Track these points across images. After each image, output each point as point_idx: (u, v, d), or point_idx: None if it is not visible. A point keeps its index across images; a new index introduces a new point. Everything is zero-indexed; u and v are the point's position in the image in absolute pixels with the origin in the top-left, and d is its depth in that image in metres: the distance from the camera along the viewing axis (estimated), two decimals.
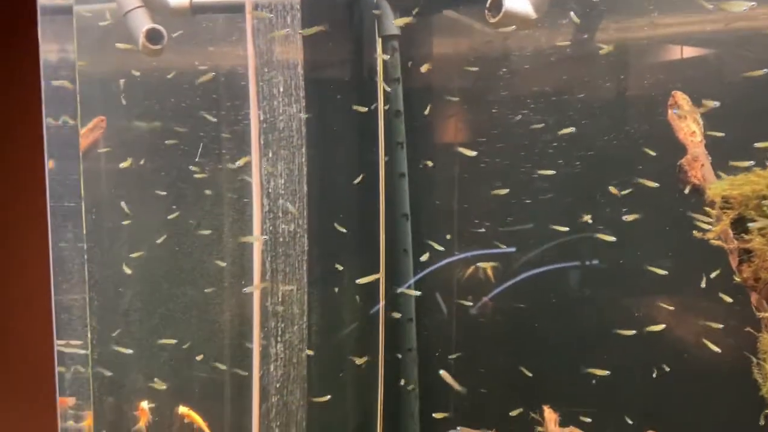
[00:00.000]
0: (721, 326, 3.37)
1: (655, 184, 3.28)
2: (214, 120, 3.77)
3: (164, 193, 3.76)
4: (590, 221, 3.67)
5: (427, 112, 4.04)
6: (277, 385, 3.76)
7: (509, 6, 3.44)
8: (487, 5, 3.49)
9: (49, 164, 1.92)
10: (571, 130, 3.70)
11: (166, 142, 3.78)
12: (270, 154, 3.68)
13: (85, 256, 2.25)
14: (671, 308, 3.53)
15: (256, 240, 3.63)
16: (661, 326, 3.43)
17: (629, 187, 3.56)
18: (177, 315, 3.72)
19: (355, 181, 3.98)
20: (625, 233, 3.59)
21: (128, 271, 3.59)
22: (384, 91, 3.94)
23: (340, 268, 3.97)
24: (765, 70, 3.24)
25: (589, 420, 3.30)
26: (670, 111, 3.32)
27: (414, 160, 4.07)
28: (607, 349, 3.68)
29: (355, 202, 4.08)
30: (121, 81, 3.78)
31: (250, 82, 3.52)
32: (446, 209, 4.08)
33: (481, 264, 3.94)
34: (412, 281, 4.05)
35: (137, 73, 3.80)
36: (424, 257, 3.97)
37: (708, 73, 3.62)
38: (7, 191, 1.84)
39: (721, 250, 2.93)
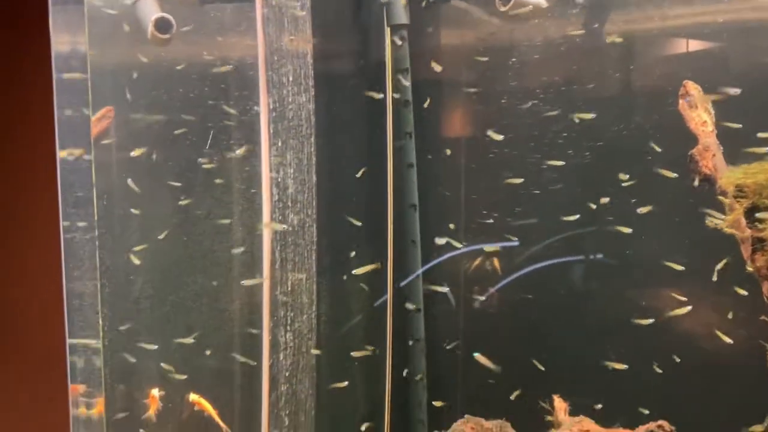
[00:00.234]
0: (731, 316, 3.36)
1: (674, 174, 3.24)
2: (233, 112, 3.76)
3: (176, 183, 3.75)
4: (608, 202, 3.61)
5: (435, 102, 4.03)
6: (287, 374, 3.77)
7: None
8: None
9: (61, 154, 1.93)
10: (590, 115, 3.67)
11: (175, 132, 3.78)
12: (279, 144, 3.68)
13: (97, 243, 2.26)
14: (682, 299, 3.52)
15: (276, 228, 3.63)
16: (686, 309, 3.37)
17: (641, 177, 3.55)
18: (187, 303, 3.72)
19: (357, 175, 3.98)
20: (636, 224, 3.58)
21: (137, 261, 3.60)
22: (393, 80, 3.93)
23: (353, 254, 3.95)
24: None
25: (599, 406, 3.29)
26: (681, 101, 3.31)
27: (422, 150, 4.06)
28: (617, 339, 3.68)
29: (363, 193, 4.07)
30: (129, 71, 3.77)
31: (260, 71, 3.51)
32: (455, 199, 4.07)
33: (487, 248, 3.92)
34: (419, 272, 4.05)
35: (145, 62, 3.80)
36: (442, 241, 3.94)
37: (719, 63, 3.60)
38: (19, 180, 1.85)
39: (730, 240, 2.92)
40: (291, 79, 3.70)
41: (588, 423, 3.12)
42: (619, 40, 3.64)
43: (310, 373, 3.87)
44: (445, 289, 3.97)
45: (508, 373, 3.76)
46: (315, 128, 3.82)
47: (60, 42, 1.94)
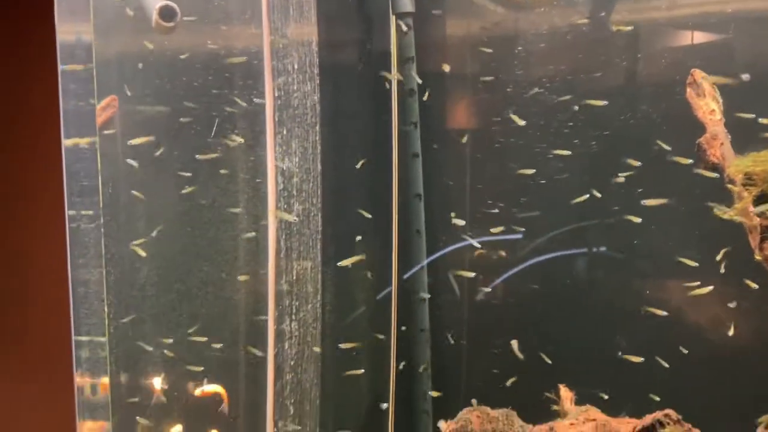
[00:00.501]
0: (738, 305, 3.35)
1: (689, 161, 3.20)
2: (245, 104, 3.73)
3: (182, 173, 3.75)
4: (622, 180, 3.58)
5: (441, 91, 4.01)
6: (292, 363, 3.78)
7: None
8: None
9: (67, 143, 1.92)
10: (602, 102, 3.64)
11: (180, 120, 3.77)
12: (284, 132, 3.67)
13: (102, 230, 2.25)
14: (689, 289, 3.51)
15: (286, 218, 3.63)
16: (708, 288, 3.35)
17: (649, 166, 3.53)
18: (192, 291, 3.72)
19: (357, 166, 3.97)
20: (643, 214, 3.56)
21: (142, 253, 3.59)
22: (398, 70, 3.91)
23: (359, 238, 3.93)
24: None
25: (606, 396, 3.29)
26: (688, 89, 3.28)
27: (427, 139, 4.05)
28: (624, 329, 3.67)
29: (368, 182, 4.06)
30: (133, 60, 3.76)
31: (265, 60, 3.50)
32: (460, 189, 4.05)
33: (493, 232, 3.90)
34: (424, 263, 4.05)
35: (149, 52, 3.78)
36: (461, 222, 3.92)
37: (726, 52, 3.58)
38: (26, 170, 1.85)
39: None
40: (296, 67, 3.68)
41: (594, 412, 3.11)
42: (626, 28, 3.61)
43: (315, 363, 3.87)
44: (471, 274, 3.93)
45: (514, 362, 3.76)
46: (320, 117, 3.81)
47: (64, 31, 1.93)
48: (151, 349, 3.62)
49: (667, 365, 3.49)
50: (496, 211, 3.94)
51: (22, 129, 1.85)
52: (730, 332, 3.37)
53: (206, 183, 3.77)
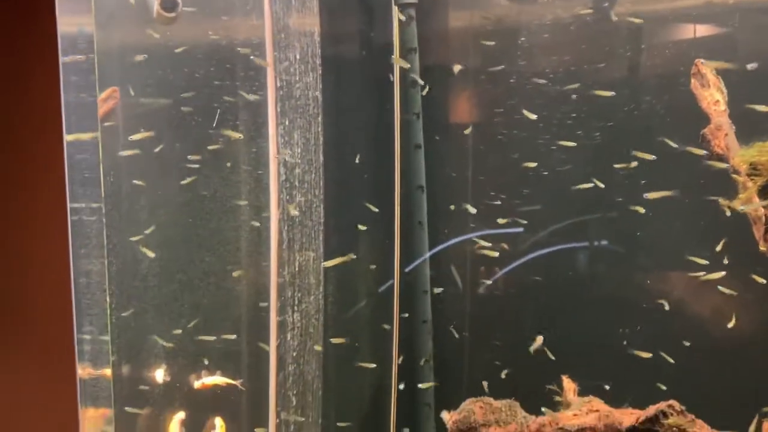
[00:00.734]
0: (739, 297, 3.34)
1: (703, 152, 3.18)
2: (250, 98, 3.71)
3: (183, 164, 3.73)
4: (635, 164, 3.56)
5: (443, 82, 3.99)
6: (294, 355, 3.78)
7: None
8: None
9: (68, 138, 1.92)
10: (610, 93, 3.62)
11: (182, 111, 3.76)
12: (286, 123, 3.66)
13: (104, 220, 2.25)
14: (693, 281, 3.50)
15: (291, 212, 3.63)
16: (721, 273, 3.33)
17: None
18: (194, 282, 3.72)
19: (356, 161, 3.96)
20: (647, 206, 3.55)
21: (151, 254, 3.57)
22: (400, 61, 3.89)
23: (363, 228, 3.92)
24: None
25: (607, 387, 3.29)
26: (693, 80, 3.26)
27: (429, 131, 4.03)
28: (626, 322, 3.67)
29: (371, 174, 4.05)
30: (135, 51, 3.74)
31: (267, 50, 3.48)
32: (462, 181, 4.04)
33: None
34: (426, 255, 4.04)
35: (151, 42, 3.76)
36: (473, 210, 3.90)
37: (731, 43, 3.56)
38: (27, 161, 1.84)
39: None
40: (298, 57, 3.67)
41: (597, 403, 3.11)
42: (630, 19, 3.59)
43: (317, 354, 3.87)
44: (495, 254, 3.90)
45: (516, 353, 3.76)
46: (322, 108, 3.80)
47: (65, 23, 1.92)
48: (153, 339, 3.62)
49: (671, 360, 3.49)
50: (499, 202, 3.93)
51: (23, 120, 1.84)
52: (730, 324, 3.36)
53: (208, 174, 3.76)
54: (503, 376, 3.72)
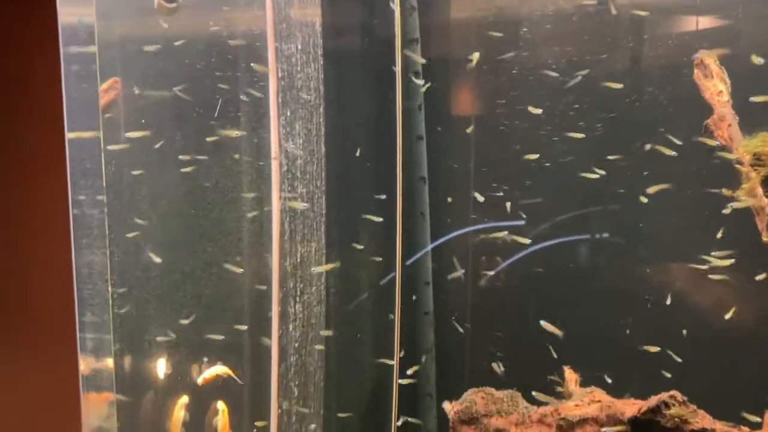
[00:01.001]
0: (738, 285, 3.34)
1: (716, 142, 3.16)
2: (260, 95, 3.70)
3: (186, 157, 3.73)
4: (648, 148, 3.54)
5: (446, 73, 3.98)
6: (296, 345, 3.78)
7: None
8: None
9: (69, 136, 1.91)
10: (617, 85, 3.60)
11: (183, 103, 3.74)
12: (288, 114, 3.64)
13: (105, 210, 2.25)
14: (696, 272, 3.50)
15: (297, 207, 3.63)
16: (730, 261, 3.32)
17: (653, 148, 3.50)
18: (197, 273, 3.72)
19: (357, 153, 3.95)
20: (650, 197, 3.55)
21: (157, 259, 3.57)
22: (402, 52, 3.87)
23: (379, 219, 3.91)
24: None
25: (610, 381, 3.30)
26: (696, 70, 3.25)
27: (431, 122, 4.02)
28: (628, 313, 3.67)
29: (373, 165, 4.05)
30: (135, 42, 3.72)
31: (269, 40, 3.47)
32: (464, 172, 4.04)
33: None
34: (428, 248, 4.04)
35: (152, 33, 3.75)
36: (481, 198, 3.89)
37: (734, 34, 3.54)
38: (28, 151, 1.84)
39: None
40: (299, 48, 3.65)
41: (599, 393, 3.12)
42: (634, 10, 3.58)
43: (319, 345, 3.88)
44: (527, 242, 3.88)
45: (518, 345, 3.76)
46: (324, 99, 3.79)
47: (66, 13, 1.91)
48: (155, 329, 3.63)
49: (676, 356, 3.49)
50: (501, 194, 3.93)
51: (23, 113, 1.84)
52: (728, 315, 3.36)
53: (210, 165, 3.75)
54: (503, 367, 3.72)
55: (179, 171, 3.71)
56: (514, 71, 3.86)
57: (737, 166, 2.82)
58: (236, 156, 3.76)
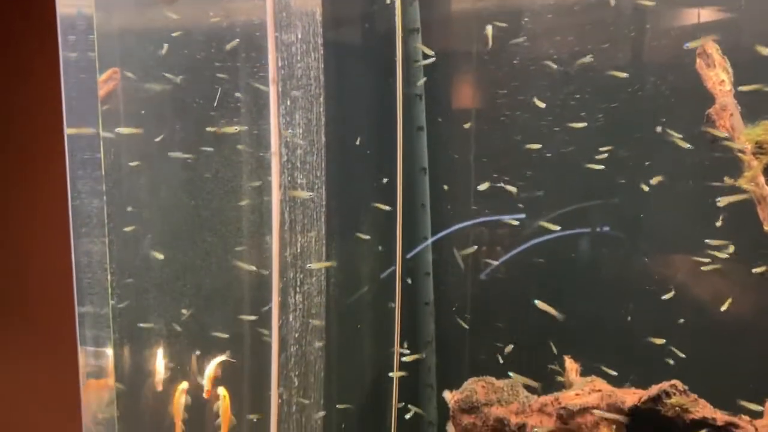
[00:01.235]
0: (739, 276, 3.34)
1: (724, 134, 3.14)
2: (266, 89, 3.68)
3: (184, 154, 3.73)
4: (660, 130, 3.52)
5: (447, 64, 3.96)
6: (296, 335, 3.78)
7: None
8: None
9: (69, 131, 1.90)
10: (622, 74, 3.58)
11: (183, 93, 3.73)
12: (288, 103, 3.63)
13: (105, 198, 2.24)
14: (695, 264, 3.50)
15: (302, 196, 3.62)
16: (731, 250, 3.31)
17: (655, 139, 3.49)
18: (196, 263, 3.72)
19: (357, 142, 3.94)
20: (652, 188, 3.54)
21: (160, 256, 3.57)
22: (402, 42, 3.86)
23: (387, 208, 3.89)
24: None
25: (614, 374, 3.29)
26: (698, 60, 3.23)
27: (431, 113, 4.01)
28: (628, 303, 3.66)
29: (373, 155, 4.04)
30: (134, 32, 3.71)
31: (269, 29, 3.45)
32: (464, 163, 4.03)
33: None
34: (429, 241, 4.03)
35: (152, 23, 3.74)
36: (484, 186, 3.87)
37: (737, 25, 3.52)
38: (27, 142, 1.84)
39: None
40: (300, 37, 3.64)
41: (599, 383, 3.11)
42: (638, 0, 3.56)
43: (319, 335, 3.88)
44: (557, 227, 3.85)
45: (518, 334, 3.76)
46: (324, 88, 3.77)
47: (65, 4, 1.90)
48: (155, 318, 3.63)
49: (678, 351, 3.49)
50: (501, 185, 3.92)
51: (22, 103, 1.84)
52: (724, 306, 3.35)
53: (210, 155, 3.74)
54: (505, 356, 3.72)
55: (179, 161, 3.71)
56: (515, 61, 3.84)
57: (739, 154, 2.80)
58: (239, 147, 3.76)
